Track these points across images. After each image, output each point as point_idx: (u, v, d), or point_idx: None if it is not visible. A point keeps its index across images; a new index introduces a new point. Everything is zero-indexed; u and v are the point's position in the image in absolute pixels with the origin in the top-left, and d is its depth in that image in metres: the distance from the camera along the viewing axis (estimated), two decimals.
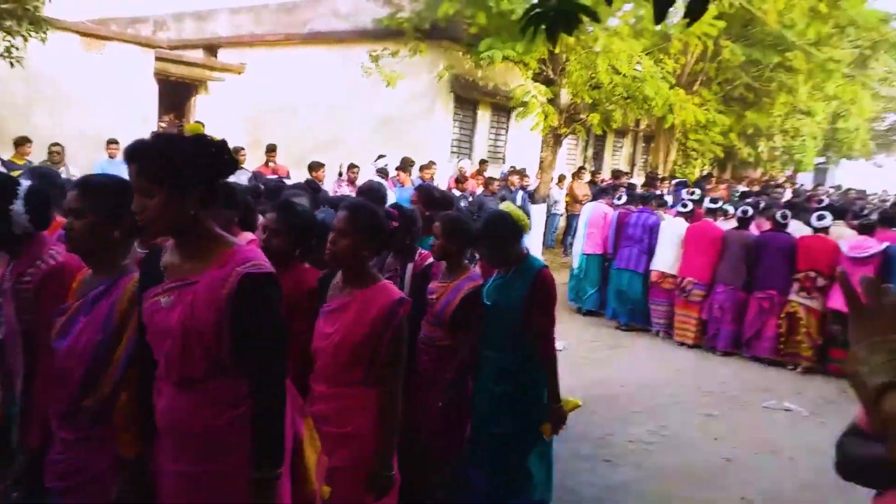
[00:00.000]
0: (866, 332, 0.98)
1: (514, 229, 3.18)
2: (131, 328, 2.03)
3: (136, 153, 1.80)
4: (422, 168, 10.92)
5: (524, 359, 3.15)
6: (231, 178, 7.72)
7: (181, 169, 1.77)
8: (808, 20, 14.56)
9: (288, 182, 9.52)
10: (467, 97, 13.73)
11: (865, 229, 6.98)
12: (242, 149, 10.02)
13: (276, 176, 9.92)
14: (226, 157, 1.87)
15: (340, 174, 10.33)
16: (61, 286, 2.17)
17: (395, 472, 2.45)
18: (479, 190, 11.48)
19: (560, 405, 3.16)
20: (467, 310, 3.19)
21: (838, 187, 22.38)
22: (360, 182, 10.13)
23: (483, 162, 13.25)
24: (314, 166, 9.74)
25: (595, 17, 2.75)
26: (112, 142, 9.61)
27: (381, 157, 10.90)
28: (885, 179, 28.51)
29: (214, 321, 1.81)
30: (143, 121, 11.34)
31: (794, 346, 7.10)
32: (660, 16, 2.37)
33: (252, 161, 10.80)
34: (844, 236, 7.19)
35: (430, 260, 3.43)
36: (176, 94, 13.14)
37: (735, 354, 7.51)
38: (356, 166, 10.11)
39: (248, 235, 3.02)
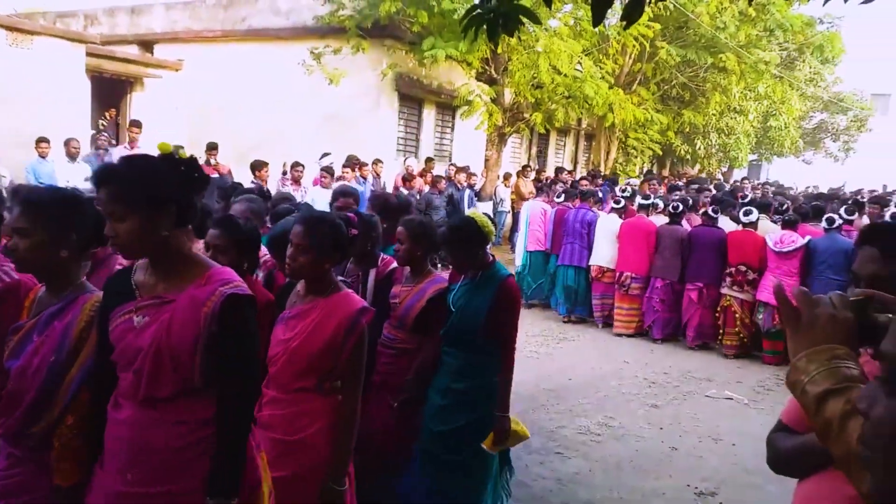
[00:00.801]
0: (804, 342, 1.02)
1: (479, 235, 3.17)
2: (87, 350, 1.96)
3: (106, 177, 1.75)
4: (361, 166, 10.83)
5: (484, 359, 3.16)
6: None
7: (153, 191, 1.73)
8: (738, 23, 15.15)
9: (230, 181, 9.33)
10: (412, 95, 13.71)
11: (789, 224, 7.29)
12: (182, 147, 9.71)
13: (217, 175, 9.70)
14: (197, 175, 1.83)
15: (284, 173, 10.16)
16: (16, 304, 2.07)
17: (348, 486, 2.40)
18: (427, 188, 11.51)
19: (507, 416, 3.16)
20: (432, 312, 3.18)
21: (774, 183, 23.29)
22: (304, 180, 10.05)
23: (429, 160, 13.26)
24: (257, 165, 9.55)
25: (535, 19, 2.79)
26: (42, 140, 9.18)
27: (325, 154, 10.77)
28: (814, 175, 29.87)
29: (192, 340, 1.77)
30: (76, 118, 10.90)
31: (732, 338, 7.39)
32: (598, 19, 2.42)
33: None
34: (769, 231, 7.49)
35: (393, 265, 3.42)
36: (110, 92, 12.66)
37: (676, 344, 7.75)
38: (300, 164, 9.96)
39: (202, 244, 2.94)
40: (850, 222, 7.58)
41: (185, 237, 1.88)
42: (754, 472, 4.41)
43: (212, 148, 10.33)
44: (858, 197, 14.02)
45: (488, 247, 3.40)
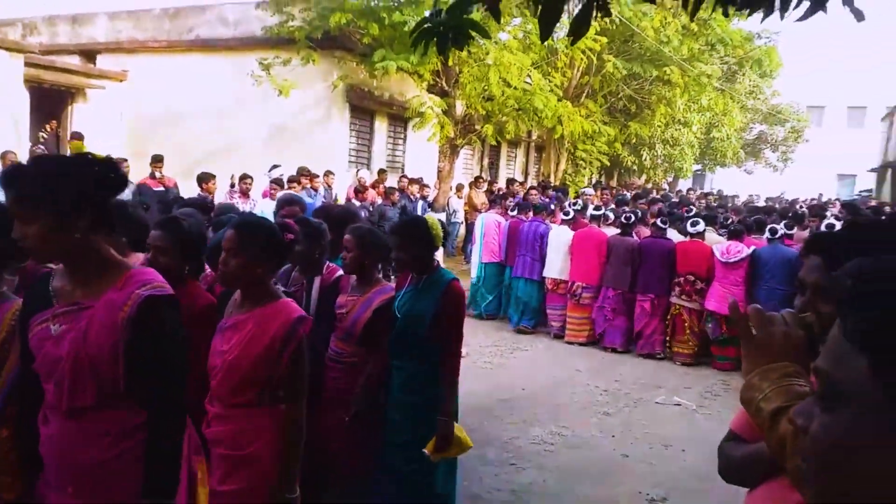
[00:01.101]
0: (758, 360, 1.05)
1: (428, 236, 3.17)
2: (12, 360, 1.89)
3: (12, 178, 1.70)
4: (312, 178, 10.74)
5: (432, 369, 3.14)
6: None
7: (62, 192, 1.67)
8: (681, 37, 15.63)
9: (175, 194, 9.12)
10: (363, 107, 13.67)
11: (735, 235, 7.52)
12: (125, 160, 9.49)
13: (162, 188, 9.47)
14: (112, 176, 1.77)
15: (233, 185, 9.97)
16: None
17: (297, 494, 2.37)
18: (380, 200, 11.47)
19: (450, 420, 3.13)
20: (379, 323, 3.15)
21: (718, 193, 24.04)
22: (253, 193, 9.89)
23: (382, 171, 13.23)
24: (204, 178, 9.37)
25: (484, 33, 2.82)
26: None
27: (275, 167, 10.63)
28: (755, 185, 30.93)
29: (111, 346, 1.72)
30: (14, 131, 10.51)
31: (681, 345, 7.56)
32: (545, 34, 2.46)
33: (136, 173, 10.25)
34: (715, 242, 7.70)
35: (339, 273, 3.37)
36: (51, 103, 12.25)
37: (627, 353, 7.88)
38: (249, 177, 9.81)
39: (140, 257, 2.85)
40: (791, 236, 7.84)
41: (103, 241, 1.81)
42: (704, 477, 4.50)
43: (157, 160, 10.09)
44: (797, 207, 14.57)
45: (437, 253, 3.40)
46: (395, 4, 11.05)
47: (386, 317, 3.16)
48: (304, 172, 10.82)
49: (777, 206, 16.84)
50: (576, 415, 5.76)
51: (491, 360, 7.26)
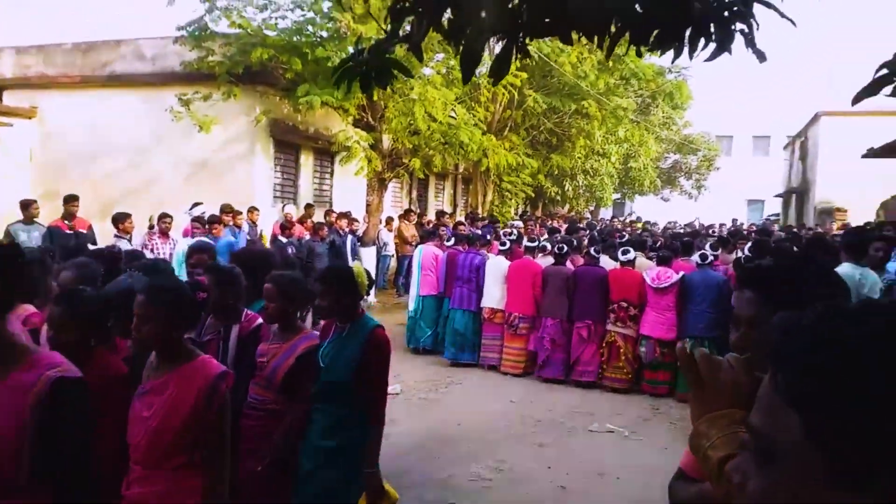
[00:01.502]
0: (706, 407, 1.05)
1: (353, 283, 3.12)
2: None
3: None
4: (235, 214, 10.49)
5: (354, 414, 3.06)
6: (23, 236, 6.89)
7: None
8: (597, 72, 16.28)
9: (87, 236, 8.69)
10: (288, 141, 13.50)
11: (663, 261, 7.76)
12: (34, 201, 8.99)
13: (72, 232, 8.98)
14: (8, 255, 1.69)
15: (152, 227, 9.58)
16: None
17: None
18: (307, 235, 11.28)
19: (377, 473, 3.05)
20: (301, 372, 3.05)
21: (638, 218, 24.96)
22: (174, 232, 9.54)
23: (309, 206, 13.05)
24: (119, 218, 8.96)
25: (407, 72, 2.83)
26: None
27: (196, 205, 10.31)
28: (672, 212, 32.29)
29: (17, 429, 1.61)
30: None
31: (616, 372, 7.67)
32: (466, 77, 2.49)
33: (47, 214, 9.73)
34: (646, 267, 7.93)
35: (259, 321, 3.26)
36: None
37: (561, 382, 7.94)
38: (169, 216, 9.45)
39: (30, 308, 2.66)
40: (716, 257, 8.18)
41: (4, 325, 1.71)
42: (638, 503, 4.55)
43: (70, 200, 9.59)
44: (712, 231, 15.23)
45: (373, 291, 3.35)
46: (318, 40, 11.04)
47: (309, 364, 3.07)
48: (226, 209, 10.55)
49: (699, 232, 17.59)
50: (512, 447, 5.74)
51: (426, 395, 7.18)
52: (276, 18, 11.46)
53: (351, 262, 10.93)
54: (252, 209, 11.32)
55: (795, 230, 15.37)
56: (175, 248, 8.86)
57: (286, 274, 3.39)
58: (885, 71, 2.12)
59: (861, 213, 21.01)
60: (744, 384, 1.04)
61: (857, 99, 2.18)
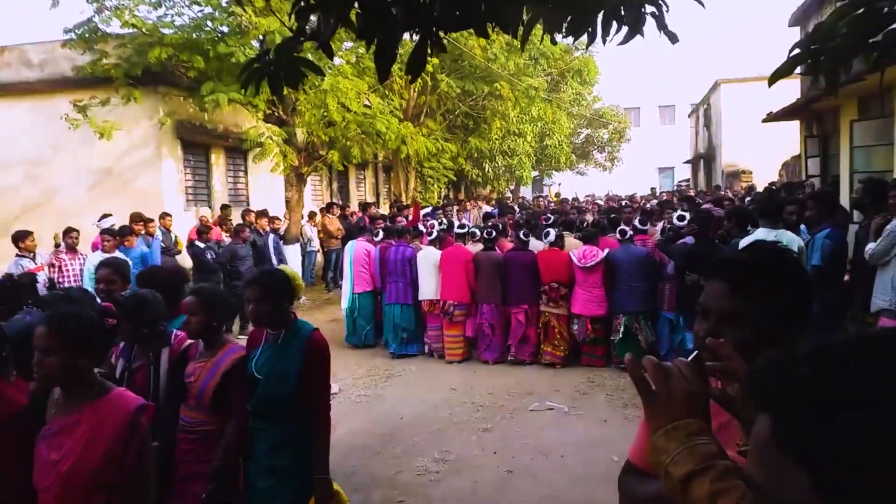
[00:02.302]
0: (660, 418, 1.01)
1: (288, 287, 3.00)
2: None
3: None
4: (147, 222, 10.03)
5: (300, 429, 2.96)
6: None
7: None
8: (507, 54, 16.40)
9: None
10: (196, 142, 13.00)
11: (588, 239, 7.91)
12: None
13: None
14: None
15: (58, 245, 8.99)
16: None
17: None
18: (227, 238, 10.90)
19: (328, 478, 2.99)
20: (230, 387, 2.92)
21: (557, 193, 25.46)
22: (82, 247, 9.00)
23: (225, 207, 12.62)
24: (19, 236, 8.36)
25: (317, 70, 2.72)
26: None
27: (105, 216, 9.80)
28: (590, 185, 33.14)
29: None
30: None
31: (552, 348, 7.80)
32: (383, 76, 2.40)
33: None
34: (573, 247, 8.06)
35: (189, 341, 3.10)
36: None
37: (499, 363, 8.02)
38: (75, 230, 8.90)
39: None
40: (644, 231, 8.39)
41: None
42: (584, 480, 4.65)
43: None
44: (645, 203, 15.53)
45: (295, 302, 3.22)
46: (219, 36, 10.62)
47: (238, 379, 2.94)
48: (137, 218, 10.05)
49: (617, 203, 17.97)
50: (456, 436, 5.74)
51: (366, 391, 7.10)
52: (173, 16, 10.97)
53: (275, 262, 10.67)
54: (164, 215, 10.85)
55: (690, 195, 15.73)
56: (85, 264, 8.38)
57: (206, 285, 3.24)
58: (797, 51, 2.18)
59: (765, 173, 22.19)
60: (697, 392, 1.02)
61: (774, 79, 2.23)
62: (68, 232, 8.84)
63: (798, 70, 2.23)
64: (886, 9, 1.92)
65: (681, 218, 7.58)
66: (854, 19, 1.98)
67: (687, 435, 0.97)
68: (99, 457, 2.02)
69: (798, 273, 1.39)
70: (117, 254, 8.33)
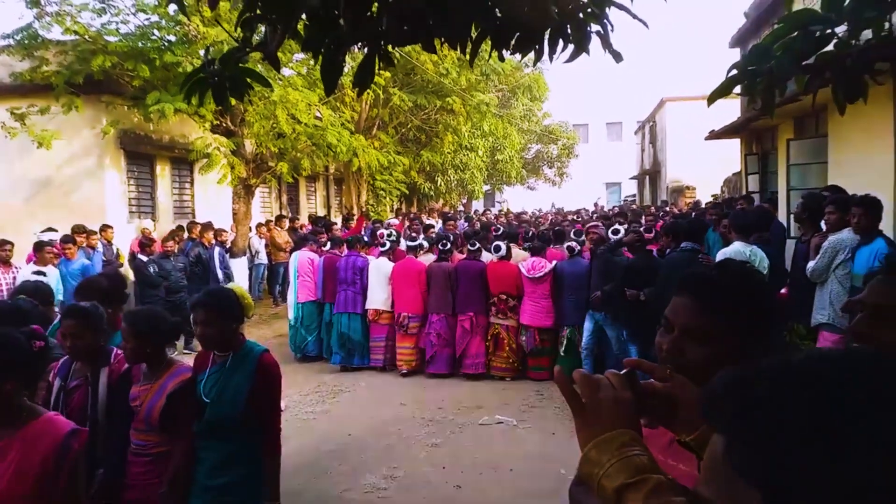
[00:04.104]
0: (591, 430, 0.99)
1: (237, 308, 2.89)
2: None
3: None
4: (89, 235, 9.72)
5: (246, 448, 2.86)
6: None
7: None
8: (458, 69, 16.52)
9: None
10: (141, 152, 12.63)
11: (536, 251, 8.01)
12: None
13: None
14: None
15: None
16: None
17: None
18: (176, 249, 10.59)
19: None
20: (176, 410, 2.83)
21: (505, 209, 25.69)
22: (15, 261, 8.63)
23: (180, 229, 12.29)
24: None
25: (264, 82, 2.68)
26: None
27: (47, 229, 9.47)
28: (539, 199, 33.58)
29: None
30: None
31: (502, 362, 7.85)
32: (329, 88, 2.38)
33: None
34: (521, 258, 8.15)
35: None
36: None
37: (449, 376, 8.01)
38: (9, 242, 8.52)
39: None
40: (583, 243, 8.52)
41: None
42: (532, 494, 4.66)
43: None
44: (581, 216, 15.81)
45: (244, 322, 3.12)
46: (165, 45, 10.39)
47: (183, 402, 2.85)
48: (78, 230, 9.72)
49: (560, 217, 18.29)
50: (405, 452, 5.69)
51: (313, 408, 6.97)
52: (117, 23, 10.66)
53: (221, 276, 10.43)
54: (105, 227, 10.51)
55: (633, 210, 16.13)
56: (18, 275, 8.06)
57: (142, 310, 3.13)
58: (735, 72, 2.25)
59: (707, 189, 22.84)
60: (626, 402, 1.02)
61: (713, 99, 2.30)
62: (2, 244, 8.47)
63: (736, 90, 2.31)
64: (819, 32, 1.99)
65: (615, 232, 7.76)
66: (788, 42, 2.06)
67: (619, 446, 0.96)
68: (29, 484, 1.93)
69: (764, 294, 1.41)
70: (50, 268, 8.04)
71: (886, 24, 2.15)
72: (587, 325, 7.25)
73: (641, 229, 7.73)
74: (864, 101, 2.15)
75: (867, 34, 2.18)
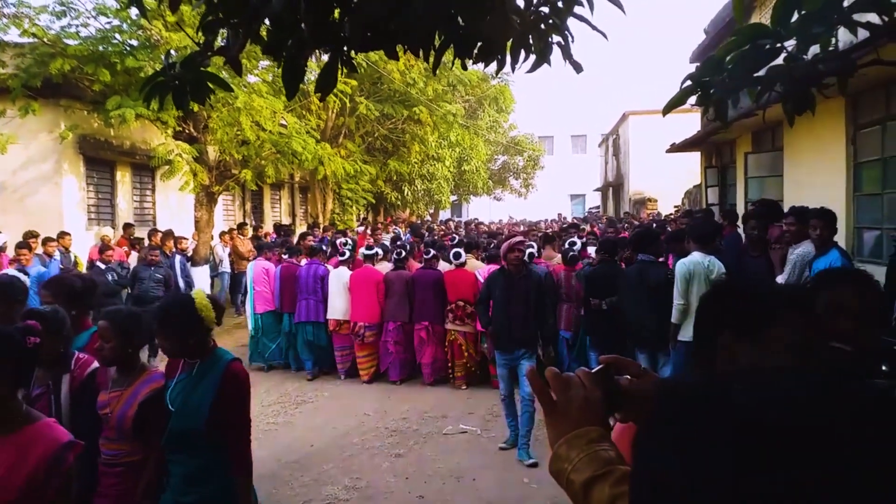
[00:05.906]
0: (561, 427, 1.01)
1: (194, 317, 2.73)
2: None
3: None
4: (46, 242, 9.49)
5: (215, 463, 2.72)
6: None
7: None
8: (425, 79, 16.59)
9: None
10: (101, 158, 12.40)
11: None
12: None
13: None
14: None
15: None
16: None
17: None
18: (133, 258, 10.38)
19: None
20: (147, 418, 2.73)
21: (473, 220, 25.73)
22: None
23: (129, 226, 12.07)
24: None
25: (225, 86, 2.66)
26: None
27: None
28: (505, 210, 33.81)
29: None
30: None
31: (461, 369, 7.87)
32: (291, 93, 2.37)
33: None
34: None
35: (94, 366, 2.88)
36: None
37: (413, 385, 8.01)
38: None
39: None
40: (540, 255, 8.61)
41: None
42: (496, 503, 4.65)
43: None
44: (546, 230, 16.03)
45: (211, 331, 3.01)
46: (127, 49, 10.22)
47: (156, 409, 2.74)
48: (33, 236, 9.46)
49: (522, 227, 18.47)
50: (367, 462, 5.64)
51: (275, 419, 6.88)
52: (77, 27, 10.46)
53: (182, 285, 10.25)
54: (63, 234, 10.25)
55: (614, 220, 16.55)
56: None
57: (122, 308, 3.00)
58: (689, 83, 2.31)
59: (669, 201, 23.29)
60: (596, 400, 1.04)
61: (668, 109, 2.35)
62: None
63: (690, 101, 2.37)
64: (768, 46, 2.06)
65: (572, 244, 7.87)
66: (740, 55, 2.13)
67: (587, 442, 0.98)
68: (16, 491, 1.84)
69: (785, 303, 1.53)
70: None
71: (833, 41, 2.23)
72: None
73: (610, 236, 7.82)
74: (812, 112, 2.23)
75: (815, 49, 2.26)
